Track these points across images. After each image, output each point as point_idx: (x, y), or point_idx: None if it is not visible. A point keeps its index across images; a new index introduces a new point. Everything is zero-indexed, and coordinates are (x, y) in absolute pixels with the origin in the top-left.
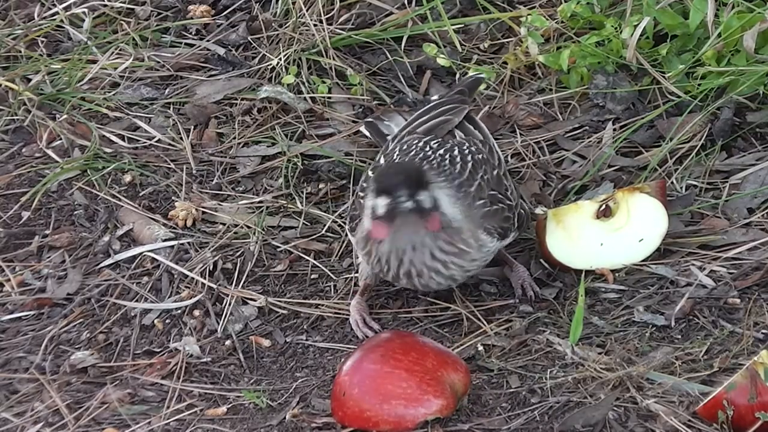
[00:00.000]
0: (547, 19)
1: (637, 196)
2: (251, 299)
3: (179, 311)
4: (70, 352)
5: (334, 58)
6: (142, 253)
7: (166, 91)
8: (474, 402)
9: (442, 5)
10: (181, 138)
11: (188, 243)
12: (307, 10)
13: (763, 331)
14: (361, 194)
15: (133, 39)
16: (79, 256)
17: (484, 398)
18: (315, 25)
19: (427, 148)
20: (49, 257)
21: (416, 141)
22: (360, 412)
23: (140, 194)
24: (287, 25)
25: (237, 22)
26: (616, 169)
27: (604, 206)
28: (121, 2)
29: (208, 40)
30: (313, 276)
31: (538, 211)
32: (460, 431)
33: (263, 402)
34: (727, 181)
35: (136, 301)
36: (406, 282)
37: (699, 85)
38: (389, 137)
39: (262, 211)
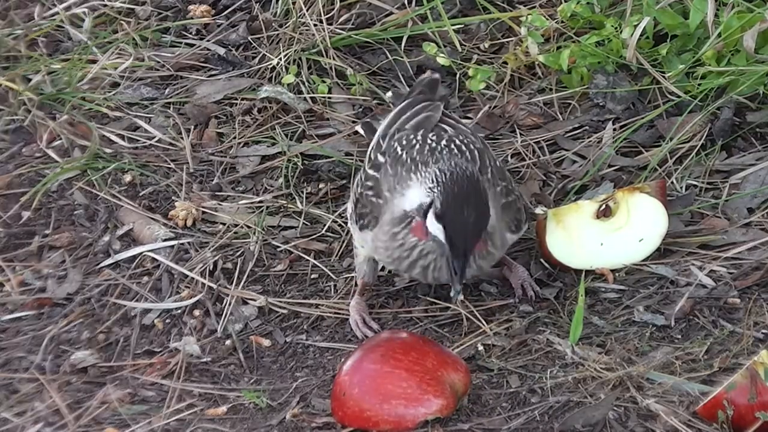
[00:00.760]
0: (547, 19)
1: (637, 196)
2: (251, 299)
3: (179, 311)
4: (71, 351)
5: (334, 58)
6: (142, 253)
7: (166, 91)
8: (474, 402)
9: (442, 5)
10: (181, 138)
11: (188, 243)
12: (307, 10)
13: (763, 331)
14: (369, 193)
15: (133, 39)
16: (79, 256)
17: (484, 398)
18: (315, 25)
19: (430, 142)
20: (49, 257)
21: (413, 135)
22: (360, 411)
23: (140, 194)
24: (287, 25)
25: (237, 22)
26: (616, 169)
27: (604, 206)
28: (121, 2)
29: (208, 40)
30: (313, 276)
31: (538, 211)
32: (460, 431)
33: (263, 402)
34: (727, 181)
35: (136, 301)
36: (418, 272)
37: (699, 85)
38: (377, 135)
39: (262, 211)
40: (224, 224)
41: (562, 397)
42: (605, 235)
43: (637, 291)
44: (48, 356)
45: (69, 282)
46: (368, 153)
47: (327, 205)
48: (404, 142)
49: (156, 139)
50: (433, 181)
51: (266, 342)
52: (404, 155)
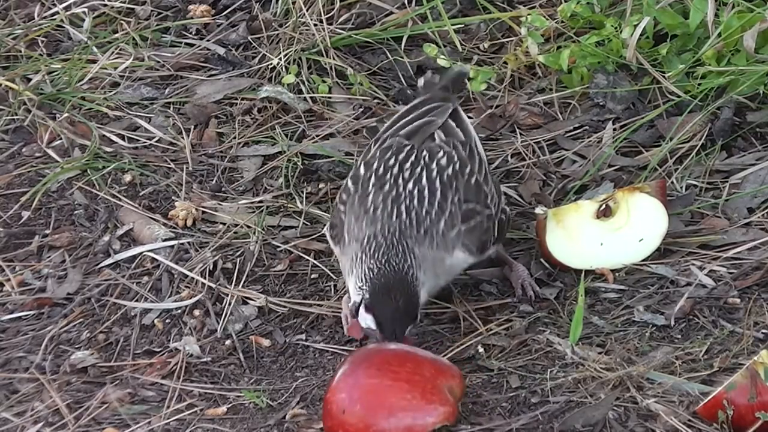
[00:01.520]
0: (547, 19)
1: (637, 195)
2: (251, 299)
3: (179, 311)
4: (70, 351)
5: (334, 58)
6: (142, 252)
7: (166, 90)
8: (474, 402)
9: (442, 5)
10: (181, 138)
11: (188, 243)
12: (307, 10)
13: (763, 330)
14: (341, 208)
15: (133, 39)
16: (79, 255)
17: (484, 398)
18: (315, 25)
19: (400, 183)
20: (49, 257)
21: (393, 159)
22: (366, 428)
23: (140, 194)
24: (287, 24)
25: (237, 22)
26: (616, 168)
27: (604, 206)
28: (121, 2)
29: (208, 40)
30: (313, 276)
31: (538, 211)
32: (460, 429)
33: (263, 402)
34: (727, 181)
35: (136, 300)
36: None
37: (699, 84)
38: (372, 139)
39: (262, 211)
40: (224, 224)
41: (562, 397)
42: (605, 235)
43: (637, 291)
44: (48, 356)
45: (69, 282)
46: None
47: (327, 205)
48: (380, 172)
49: (156, 139)
50: (362, 280)
51: (266, 342)
52: (369, 198)
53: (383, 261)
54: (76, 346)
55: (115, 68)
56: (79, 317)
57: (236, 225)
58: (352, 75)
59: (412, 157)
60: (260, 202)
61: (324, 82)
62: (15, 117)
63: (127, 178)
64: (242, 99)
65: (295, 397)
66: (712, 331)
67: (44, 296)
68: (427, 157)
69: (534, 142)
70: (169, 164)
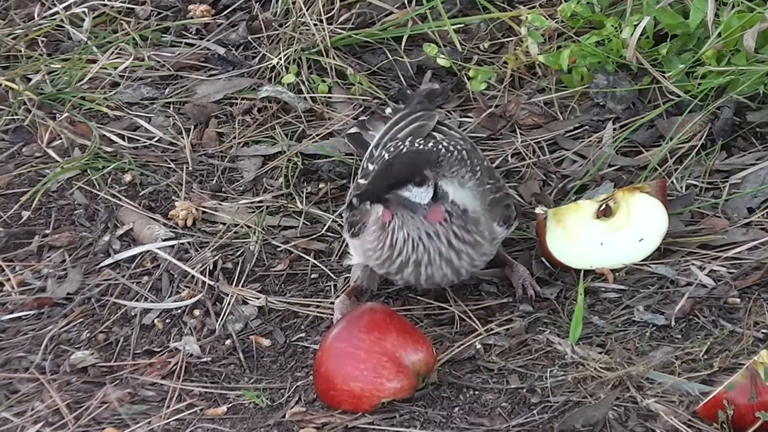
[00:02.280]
0: (547, 19)
1: (637, 195)
2: (251, 299)
3: (179, 311)
4: (70, 351)
5: (334, 58)
6: (142, 252)
7: (166, 90)
8: (474, 402)
9: (442, 5)
10: (181, 137)
11: (188, 242)
12: (307, 10)
13: (763, 330)
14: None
15: (133, 39)
16: (79, 255)
17: (484, 398)
18: (315, 25)
19: (417, 146)
20: (49, 257)
21: (401, 143)
22: (326, 389)
23: (140, 194)
24: (287, 24)
25: (237, 22)
26: (616, 168)
27: (604, 206)
28: (121, 2)
29: (208, 40)
30: (313, 276)
31: (538, 210)
32: (460, 429)
33: (263, 401)
34: (727, 181)
35: (136, 300)
36: (411, 272)
37: (699, 84)
38: (371, 145)
39: (262, 211)
40: (224, 224)
41: (561, 397)
42: (605, 235)
43: (637, 291)
44: (48, 356)
45: (69, 282)
46: (362, 163)
47: (327, 205)
48: (392, 150)
49: (156, 138)
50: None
51: (266, 342)
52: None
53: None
54: (76, 346)
55: (115, 68)
56: (79, 317)
57: (236, 225)
58: (352, 75)
59: (423, 139)
60: (260, 202)
61: (324, 81)
62: (15, 117)
63: (127, 178)
64: (242, 99)
65: (294, 397)
66: (712, 331)
67: (44, 296)
68: (438, 139)
69: (534, 142)
70: (169, 164)
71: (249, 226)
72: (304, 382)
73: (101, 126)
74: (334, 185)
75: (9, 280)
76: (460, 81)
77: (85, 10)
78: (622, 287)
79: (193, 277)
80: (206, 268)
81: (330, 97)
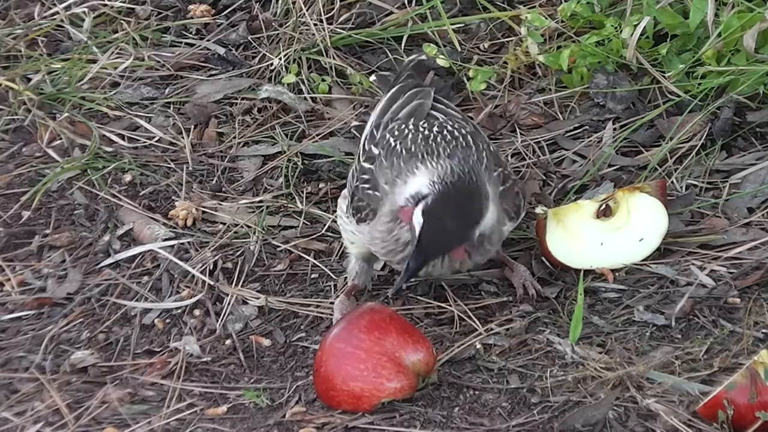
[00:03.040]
0: (547, 19)
1: (637, 195)
2: (251, 299)
3: (179, 311)
4: (70, 351)
5: (334, 58)
6: (142, 252)
7: (167, 90)
8: (474, 402)
9: (442, 5)
10: (181, 137)
11: (188, 242)
12: (307, 10)
13: (763, 330)
14: (366, 186)
15: (133, 39)
16: (79, 255)
17: (484, 398)
18: (315, 25)
19: (422, 130)
20: (49, 257)
21: (404, 125)
22: (326, 390)
23: (140, 194)
24: (287, 24)
25: (237, 22)
26: (616, 168)
27: (604, 206)
28: (121, 2)
29: (208, 40)
30: (313, 276)
31: (538, 210)
32: (460, 429)
33: (263, 401)
34: (727, 181)
35: (137, 300)
36: None
37: (699, 84)
38: (367, 125)
39: (262, 211)
40: (224, 224)
41: (561, 397)
42: (605, 234)
43: (637, 291)
44: (48, 356)
45: (69, 282)
46: (361, 144)
47: (327, 205)
48: (396, 133)
49: (156, 138)
50: (438, 177)
51: (266, 342)
52: (398, 146)
53: (463, 167)
54: (76, 346)
55: (115, 68)
56: (79, 317)
57: (236, 225)
58: (352, 75)
59: (426, 121)
60: (260, 202)
61: (324, 81)
62: (15, 117)
63: (127, 177)
64: (242, 99)
65: (294, 397)
66: (712, 330)
67: (44, 296)
68: (441, 121)
69: (534, 142)
70: (169, 164)
71: (249, 226)
72: (304, 382)
73: (101, 126)
74: (334, 185)
75: (9, 280)
76: (459, 81)
77: (85, 10)
78: (622, 287)
79: (193, 277)
80: (206, 268)
81: (330, 97)
